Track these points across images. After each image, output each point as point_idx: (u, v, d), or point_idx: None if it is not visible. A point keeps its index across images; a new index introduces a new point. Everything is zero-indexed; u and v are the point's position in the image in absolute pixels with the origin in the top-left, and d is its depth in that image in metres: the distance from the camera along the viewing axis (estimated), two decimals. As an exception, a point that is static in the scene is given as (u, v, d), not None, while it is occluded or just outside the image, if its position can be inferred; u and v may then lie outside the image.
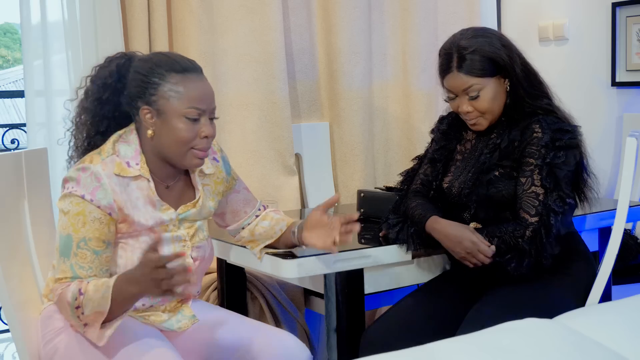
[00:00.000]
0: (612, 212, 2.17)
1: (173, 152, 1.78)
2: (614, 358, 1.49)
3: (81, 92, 1.85)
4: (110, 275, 1.74)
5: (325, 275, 2.09)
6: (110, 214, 1.73)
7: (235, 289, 2.56)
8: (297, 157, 3.10)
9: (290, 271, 1.99)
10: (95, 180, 1.72)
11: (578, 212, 2.22)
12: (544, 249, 1.94)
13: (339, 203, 3.15)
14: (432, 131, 2.25)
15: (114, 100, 1.82)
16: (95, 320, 1.66)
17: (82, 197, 1.71)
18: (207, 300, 2.63)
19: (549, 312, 1.80)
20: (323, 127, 3.17)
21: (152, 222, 1.79)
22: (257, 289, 2.68)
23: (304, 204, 3.09)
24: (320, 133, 3.16)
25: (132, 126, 1.83)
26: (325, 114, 3.19)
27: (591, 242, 2.41)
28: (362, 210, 2.53)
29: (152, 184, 1.79)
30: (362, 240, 2.33)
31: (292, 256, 2.00)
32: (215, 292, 2.66)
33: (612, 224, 2.01)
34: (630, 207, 2.00)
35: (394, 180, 2.36)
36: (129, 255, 1.78)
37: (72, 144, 1.87)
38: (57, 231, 1.76)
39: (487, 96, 2.02)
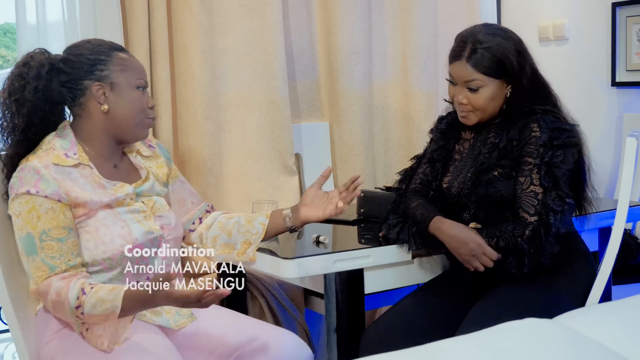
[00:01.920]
0: (612, 212, 2.17)
1: (129, 122, 1.86)
2: (614, 358, 1.49)
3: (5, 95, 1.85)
4: (82, 261, 1.76)
5: (325, 275, 2.09)
6: (59, 200, 1.75)
7: (235, 289, 2.56)
8: (297, 157, 3.10)
9: (290, 271, 1.99)
10: (34, 173, 1.76)
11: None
12: (543, 248, 1.94)
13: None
14: (431, 131, 2.26)
15: (47, 95, 1.84)
16: (103, 320, 1.69)
17: (28, 192, 1.74)
18: (207, 300, 2.62)
19: (549, 312, 1.80)
20: (323, 127, 3.17)
21: (107, 199, 1.82)
22: (257, 289, 2.68)
23: (304, 204, 3.08)
24: (320, 133, 3.16)
25: (64, 123, 1.88)
26: (325, 114, 3.19)
27: (591, 242, 2.40)
28: (362, 210, 2.53)
29: (95, 170, 1.83)
30: (362, 240, 2.33)
31: (292, 256, 2.00)
32: (215, 292, 2.65)
33: (612, 224, 2.01)
34: (630, 207, 2.00)
35: (394, 180, 2.36)
36: (94, 237, 1.79)
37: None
38: (16, 236, 1.78)
39: (485, 95, 2.03)
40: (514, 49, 2.03)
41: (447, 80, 2.09)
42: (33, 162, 1.78)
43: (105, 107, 1.83)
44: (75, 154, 1.82)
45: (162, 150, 2.06)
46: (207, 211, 2.11)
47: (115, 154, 1.91)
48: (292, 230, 2.05)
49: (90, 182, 1.81)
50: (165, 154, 2.05)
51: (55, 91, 1.85)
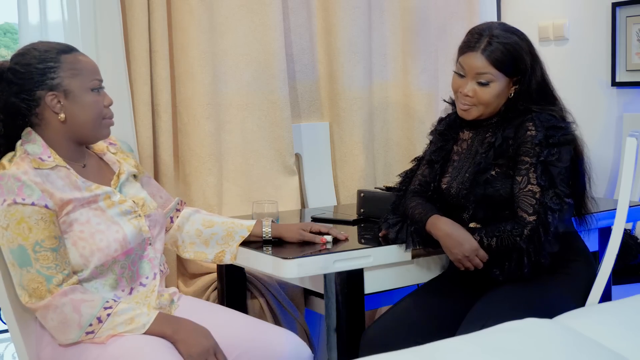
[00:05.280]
0: (612, 212, 2.17)
1: (89, 127, 1.83)
2: (614, 358, 1.49)
3: None
4: (71, 269, 1.74)
5: (325, 275, 2.09)
6: (46, 206, 1.71)
7: (235, 289, 2.56)
8: (297, 157, 3.10)
9: (290, 271, 1.99)
10: (15, 181, 1.71)
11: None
12: (542, 247, 1.95)
13: (339, 203, 3.16)
14: (431, 133, 2.26)
15: (1, 106, 1.80)
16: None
17: (14, 202, 1.69)
18: (207, 300, 2.63)
19: (549, 312, 1.80)
20: (323, 127, 3.17)
21: (88, 195, 1.79)
22: (257, 289, 2.68)
23: (304, 204, 3.09)
24: (320, 133, 3.16)
25: (27, 130, 1.83)
26: (325, 114, 3.19)
27: (591, 242, 2.40)
28: (362, 210, 2.53)
29: (72, 170, 1.81)
30: (362, 240, 2.33)
31: (292, 256, 2.00)
32: (216, 292, 2.65)
33: (612, 224, 2.01)
34: (630, 207, 2.00)
35: (394, 180, 2.36)
36: (90, 243, 1.76)
37: None
38: (4, 250, 1.73)
39: (493, 90, 2.03)
40: (528, 49, 2.04)
41: (455, 72, 2.09)
42: (10, 170, 1.72)
43: (62, 115, 1.79)
44: (49, 156, 1.78)
45: (123, 145, 2.05)
46: (177, 209, 2.11)
47: (81, 154, 1.88)
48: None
49: (67, 183, 1.78)
50: (128, 148, 2.05)
51: (9, 102, 1.80)
